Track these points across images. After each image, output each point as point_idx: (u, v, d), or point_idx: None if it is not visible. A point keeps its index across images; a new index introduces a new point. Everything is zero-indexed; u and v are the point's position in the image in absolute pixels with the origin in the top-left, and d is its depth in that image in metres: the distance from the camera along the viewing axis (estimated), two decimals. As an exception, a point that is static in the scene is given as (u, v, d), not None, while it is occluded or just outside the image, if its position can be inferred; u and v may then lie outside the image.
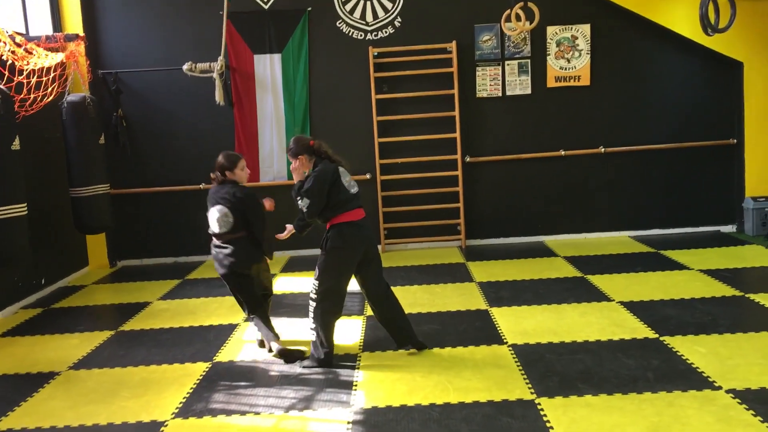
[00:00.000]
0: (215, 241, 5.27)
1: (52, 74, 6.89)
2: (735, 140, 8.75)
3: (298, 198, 4.91)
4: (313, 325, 4.98)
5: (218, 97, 8.38)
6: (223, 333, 5.97)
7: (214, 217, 5.17)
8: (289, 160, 8.34)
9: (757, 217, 8.53)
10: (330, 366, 4.99)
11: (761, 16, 8.27)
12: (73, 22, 8.42)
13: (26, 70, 6.30)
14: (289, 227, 5.29)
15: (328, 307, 4.95)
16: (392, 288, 5.27)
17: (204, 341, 5.77)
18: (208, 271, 8.41)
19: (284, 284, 7.55)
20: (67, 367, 5.32)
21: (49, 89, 6.85)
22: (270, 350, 5.33)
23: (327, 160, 4.99)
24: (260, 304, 5.38)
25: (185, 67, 8.37)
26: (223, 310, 6.67)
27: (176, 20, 8.75)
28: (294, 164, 5.04)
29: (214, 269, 8.33)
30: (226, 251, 5.20)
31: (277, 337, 5.33)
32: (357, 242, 4.93)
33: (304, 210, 4.90)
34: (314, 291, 4.96)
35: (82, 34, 7.91)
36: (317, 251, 9.07)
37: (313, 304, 4.97)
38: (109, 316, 6.85)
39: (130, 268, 8.85)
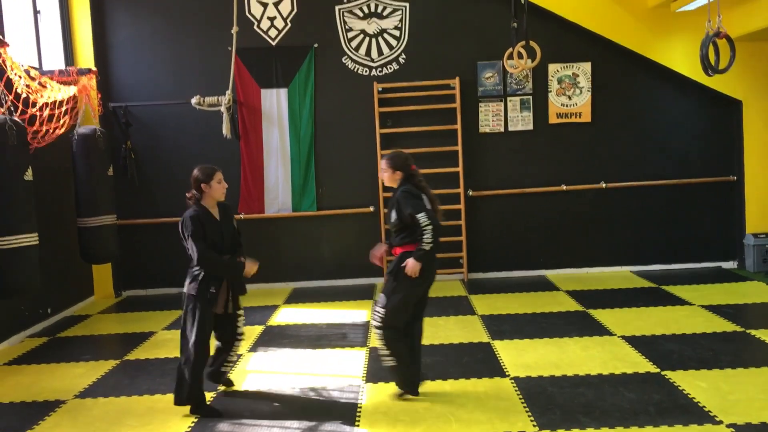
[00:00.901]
0: None
1: (64, 107, 7.04)
2: (735, 177, 8.86)
3: (418, 215, 4.69)
4: (387, 353, 4.86)
5: (225, 130, 8.51)
6: (227, 363, 6.00)
7: None
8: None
9: (757, 253, 8.59)
10: (415, 392, 4.93)
11: (759, 56, 8.43)
12: (86, 56, 8.61)
13: (39, 102, 6.45)
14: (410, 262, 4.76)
15: (395, 334, 4.83)
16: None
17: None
18: (212, 301, 8.47)
19: (288, 315, 7.60)
20: (72, 395, 5.36)
21: (61, 122, 6.99)
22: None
23: (411, 184, 4.91)
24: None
25: (194, 100, 8.53)
26: (228, 340, 6.71)
27: (185, 55, 8.94)
28: (385, 173, 4.98)
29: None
30: None
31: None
32: (428, 275, 4.84)
33: (428, 224, 4.68)
34: (379, 318, 4.83)
35: (94, 68, 8.09)
36: (320, 282, 9.13)
37: (378, 332, 4.85)
38: (115, 345, 6.90)
39: (135, 298, 8.91)
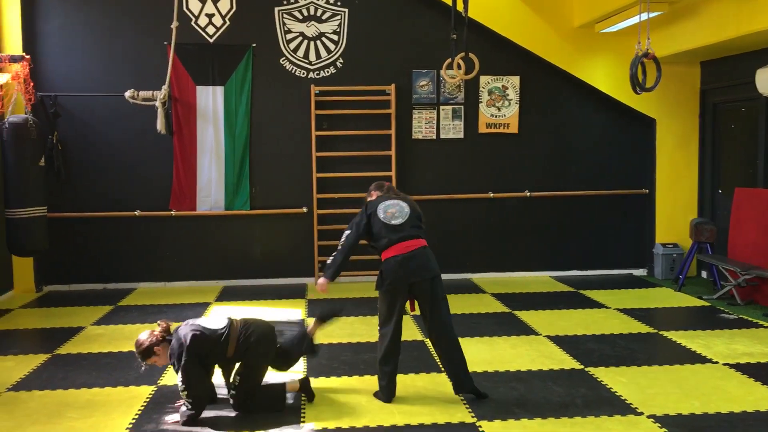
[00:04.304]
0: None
1: (-5, 94, 6.85)
2: (647, 190, 9.48)
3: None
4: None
5: (160, 125, 8.44)
6: (164, 358, 5.98)
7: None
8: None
9: (665, 262, 9.21)
10: (386, 399, 4.96)
11: (672, 78, 9.03)
12: (13, 43, 8.33)
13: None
14: (321, 281, 5.12)
15: (381, 344, 5.02)
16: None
17: (146, 366, 5.77)
18: (141, 297, 8.37)
19: (220, 313, 7.60)
20: (5, 388, 5.23)
21: (-9, 109, 6.81)
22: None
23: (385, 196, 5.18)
24: None
25: (127, 94, 8.41)
26: (162, 336, 6.66)
27: (118, 47, 8.79)
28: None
29: (147, 296, 8.34)
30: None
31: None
32: (396, 281, 4.90)
33: (345, 236, 5.05)
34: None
35: (23, 54, 7.85)
36: (251, 281, 9.14)
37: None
38: (43, 339, 6.72)
39: (58, 293, 8.67)
